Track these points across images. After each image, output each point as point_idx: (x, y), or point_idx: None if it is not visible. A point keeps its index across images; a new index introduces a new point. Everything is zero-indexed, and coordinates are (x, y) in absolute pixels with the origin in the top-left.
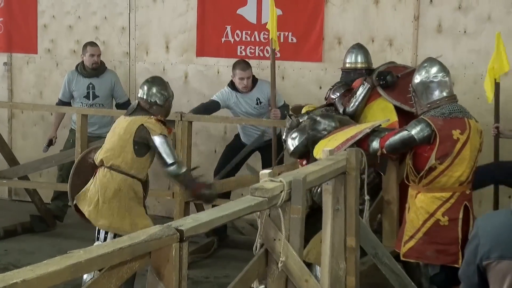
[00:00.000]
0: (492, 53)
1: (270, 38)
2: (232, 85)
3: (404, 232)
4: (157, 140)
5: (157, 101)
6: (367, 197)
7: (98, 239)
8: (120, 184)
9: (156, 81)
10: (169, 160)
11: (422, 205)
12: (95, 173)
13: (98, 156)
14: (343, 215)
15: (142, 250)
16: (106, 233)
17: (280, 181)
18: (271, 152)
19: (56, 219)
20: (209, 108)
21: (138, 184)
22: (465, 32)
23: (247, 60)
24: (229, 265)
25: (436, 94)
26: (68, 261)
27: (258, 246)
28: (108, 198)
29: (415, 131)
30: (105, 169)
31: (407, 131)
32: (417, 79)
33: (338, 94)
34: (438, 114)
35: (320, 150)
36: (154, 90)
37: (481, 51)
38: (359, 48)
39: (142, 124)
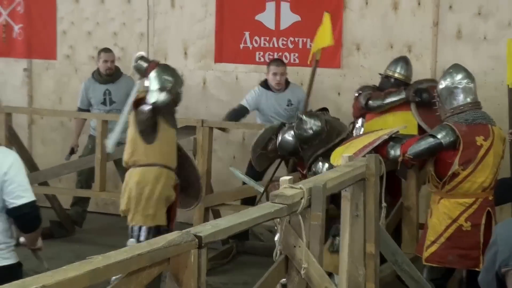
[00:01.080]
0: None
1: (314, 49)
2: (264, 84)
3: (426, 237)
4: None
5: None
6: (384, 204)
7: (132, 236)
8: (140, 177)
9: (160, 69)
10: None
11: (445, 211)
12: None
13: (124, 160)
14: (362, 221)
15: (161, 256)
16: (140, 229)
17: (300, 188)
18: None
19: (75, 224)
20: (238, 114)
21: (162, 173)
22: (485, 38)
23: (265, 66)
24: (247, 271)
25: (460, 100)
26: (87, 267)
27: (277, 253)
28: (132, 193)
29: (441, 136)
30: (129, 169)
31: (433, 137)
32: (442, 84)
33: (361, 92)
34: (462, 120)
35: (337, 157)
36: (158, 77)
37: (502, 58)
38: (403, 60)
39: (137, 108)
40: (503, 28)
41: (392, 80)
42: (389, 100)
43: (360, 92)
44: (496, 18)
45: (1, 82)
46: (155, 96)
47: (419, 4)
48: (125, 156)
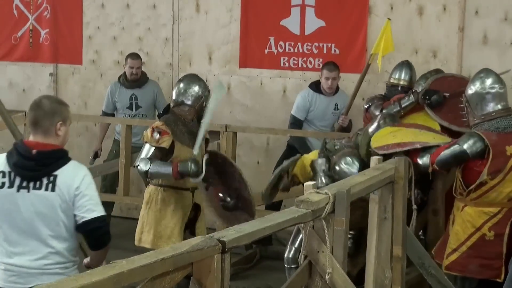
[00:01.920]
0: None
1: (371, 53)
2: (315, 86)
3: (447, 245)
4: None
5: (184, 101)
6: (414, 207)
7: None
8: (150, 196)
9: (186, 79)
10: (136, 163)
11: (469, 219)
12: None
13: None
14: (390, 223)
15: (184, 261)
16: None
17: (326, 193)
18: None
19: None
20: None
21: (172, 193)
22: (511, 43)
23: (289, 71)
24: (271, 276)
25: (491, 106)
26: (110, 271)
27: (302, 258)
28: (142, 211)
29: (467, 145)
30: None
31: (458, 146)
32: (471, 89)
33: (370, 104)
34: (493, 128)
35: (378, 140)
36: (183, 89)
37: None
38: (406, 65)
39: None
40: None
41: (399, 87)
42: (401, 105)
43: (370, 104)
44: None
45: (28, 87)
46: None
47: (444, 9)
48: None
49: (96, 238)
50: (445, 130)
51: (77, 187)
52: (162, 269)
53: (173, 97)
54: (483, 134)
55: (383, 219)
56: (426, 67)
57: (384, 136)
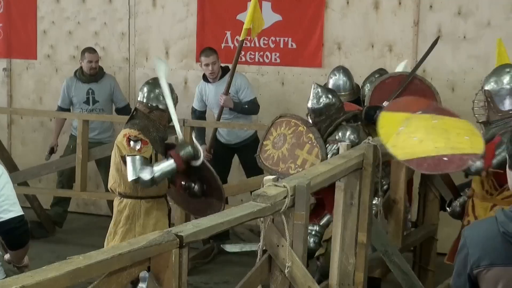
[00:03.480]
0: (492, 58)
1: (246, 28)
2: (204, 77)
3: None
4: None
5: (159, 105)
6: (380, 193)
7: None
8: (130, 210)
9: (158, 83)
10: (131, 177)
11: None
12: None
13: (109, 185)
14: (356, 210)
15: (141, 256)
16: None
17: (284, 186)
18: (248, 152)
19: (55, 225)
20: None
21: (153, 204)
22: (464, 37)
23: (246, 66)
24: (228, 270)
25: None
26: (67, 267)
27: (260, 252)
28: (122, 227)
29: None
30: (117, 197)
31: None
32: (495, 84)
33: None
34: None
35: (399, 146)
36: (155, 93)
37: (481, 57)
38: (340, 74)
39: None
40: (483, 28)
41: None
42: None
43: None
44: (475, 18)
45: None
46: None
47: (399, 3)
48: (110, 183)
49: (14, 238)
50: None
51: None
52: (119, 264)
53: (144, 101)
54: None
55: (349, 206)
56: (382, 61)
57: (405, 141)
